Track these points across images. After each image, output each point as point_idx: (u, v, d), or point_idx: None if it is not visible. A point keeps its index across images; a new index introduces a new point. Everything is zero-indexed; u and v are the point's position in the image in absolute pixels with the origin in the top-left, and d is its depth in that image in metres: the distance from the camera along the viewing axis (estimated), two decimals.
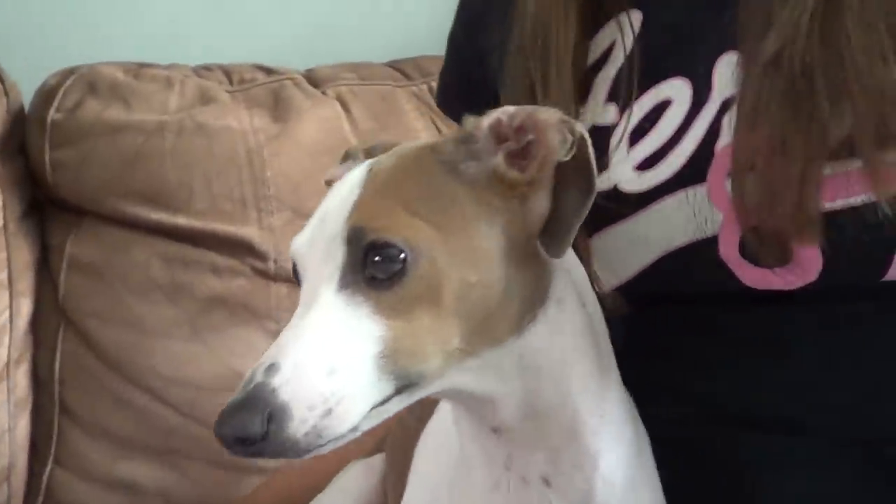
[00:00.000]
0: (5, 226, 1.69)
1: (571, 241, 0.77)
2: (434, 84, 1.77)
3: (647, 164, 0.96)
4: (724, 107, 0.93)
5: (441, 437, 0.91)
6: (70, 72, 1.73)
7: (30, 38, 1.91)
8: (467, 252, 0.74)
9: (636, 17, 1.02)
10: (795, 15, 0.87)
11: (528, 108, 0.77)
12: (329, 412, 0.68)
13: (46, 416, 1.67)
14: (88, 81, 1.71)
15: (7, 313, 1.67)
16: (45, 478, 1.65)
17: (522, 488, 0.82)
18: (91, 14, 1.95)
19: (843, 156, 0.86)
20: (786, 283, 0.91)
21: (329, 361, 0.69)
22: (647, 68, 0.99)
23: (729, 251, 0.93)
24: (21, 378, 1.68)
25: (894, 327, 0.92)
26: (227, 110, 1.71)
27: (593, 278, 0.98)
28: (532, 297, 0.78)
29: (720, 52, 0.95)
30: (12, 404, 1.65)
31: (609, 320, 0.88)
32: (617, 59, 1.01)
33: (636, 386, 0.90)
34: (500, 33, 1.07)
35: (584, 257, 0.96)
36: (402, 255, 0.71)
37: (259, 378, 0.68)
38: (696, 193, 0.93)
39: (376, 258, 0.71)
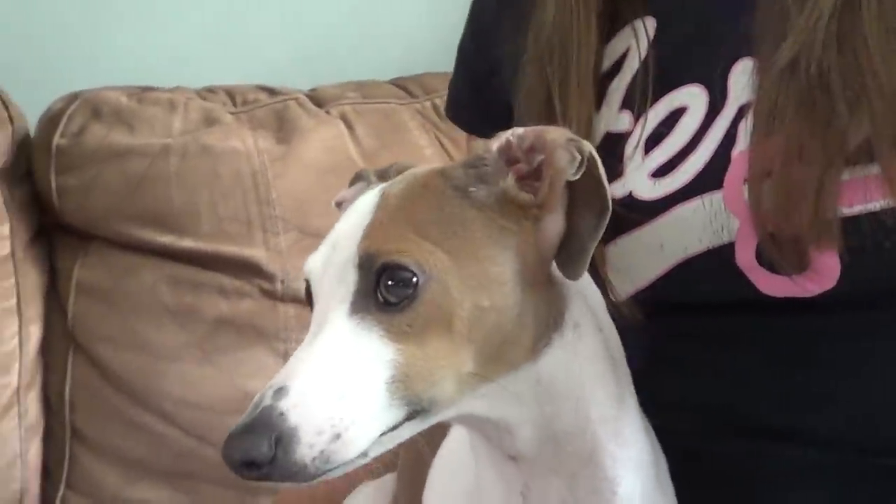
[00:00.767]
0: (13, 252, 1.68)
1: (588, 262, 0.76)
2: (438, 101, 1.78)
3: (663, 171, 0.95)
4: (741, 113, 0.92)
5: (455, 462, 0.89)
6: (74, 97, 1.72)
7: (33, 64, 1.90)
8: (479, 276, 0.72)
9: (650, 23, 1.00)
10: (812, 20, 0.85)
11: (537, 128, 0.76)
12: (338, 437, 0.66)
13: (58, 441, 1.66)
14: (92, 106, 1.70)
15: (16, 339, 1.65)
16: (57, 502, 1.64)
17: None
18: (94, 39, 1.94)
19: (862, 161, 0.85)
20: (804, 291, 0.89)
21: (339, 386, 0.68)
22: (661, 75, 0.97)
23: (745, 258, 0.91)
24: (32, 403, 1.66)
25: None
26: (231, 132, 1.70)
27: (608, 286, 0.96)
28: (547, 321, 0.76)
29: (735, 58, 0.93)
30: (24, 429, 1.64)
31: (624, 337, 0.86)
32: (631, 66, 1.00)
33: (650, 396, 0.88)
34: (513, 43, 1.05)
35: (599, 265, 0.95)
36: (414, 279, 0.70)
37: (267, 401, 0.67)
38: (712, 200, 0.91)
39: (388, 282, 0.70)
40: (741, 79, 0.92)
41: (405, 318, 0.70)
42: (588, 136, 0.96)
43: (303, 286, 0.77)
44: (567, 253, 0.76)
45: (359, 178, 0.89)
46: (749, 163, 0.88)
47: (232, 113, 1.74)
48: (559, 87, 0.99)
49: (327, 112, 1.77)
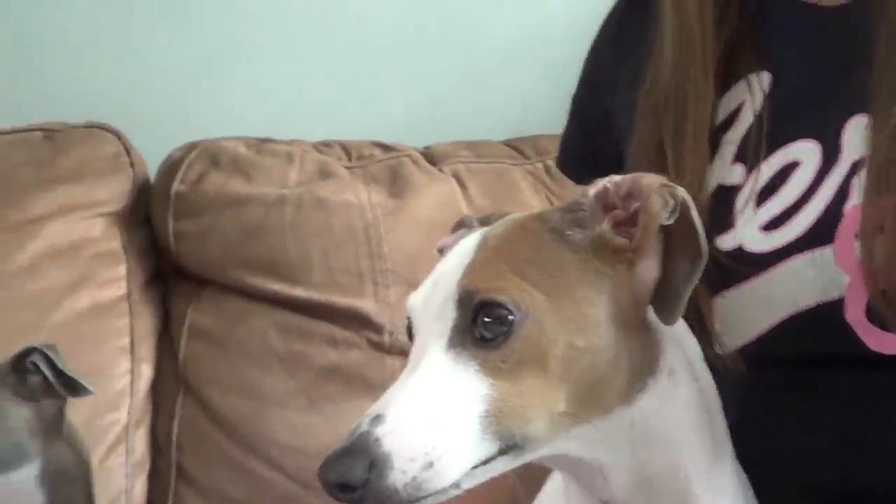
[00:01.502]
0: (129, 293, 1.82)
1: (683, 307, 0.81)
2: (550, 162, 1.87)
3: (774, 224, 1.00)
4: (854, 169, 0.97)
5: None
6: (193, 146, 1.87)
7: (155, 112, 2.05)
8: (574, 317, 0.77)
9: (765, 78, 1.06)
10: None
11: (634, 175, 0.81)
12: (430, 465, 0.72)
13: (163, 480, 1.78)
14: (211, 155, 1.85)
15: (128, 378, 1.79)
16: None
17: None
18: (215, 90, 2.09)
19: None
20: None
21: (433, 416, 0.73)
22: (775, 129, 1.03)
23: (855, 314, 0.95)
24: (139, 442, 1.79)
25: None
26: (345, 185, 1.82)
27: (714, 338, 1.01)
28: (642, 365, 0.81)
29: (849, 114, 0.99)
30: (130, 466, 1.76)
31: (722, 390, 0.90)
32: (745, 120, 1.06)
33: (747, 450, 0.92)
34: (628, 93, 1.12)
35: (706, 317, 1.00)
36: (510, 317, 0.75)
37: (364, 427, 0.73)
38: (823, 255, 0.96)
39: (485, 319, 0.76)
40: (855, 135, 0.98)
41: (500, 355, 0.75)
42: (700, 187, 1.03)
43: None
44: (662, 298, 0.81)
45: (461, 225, 0.96)
46: (861, 218, 0.93)
47: (347, 167, 1.87)
48: (673, 138, 1.05)
49: (440, 170, 1.89)
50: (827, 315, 0.97)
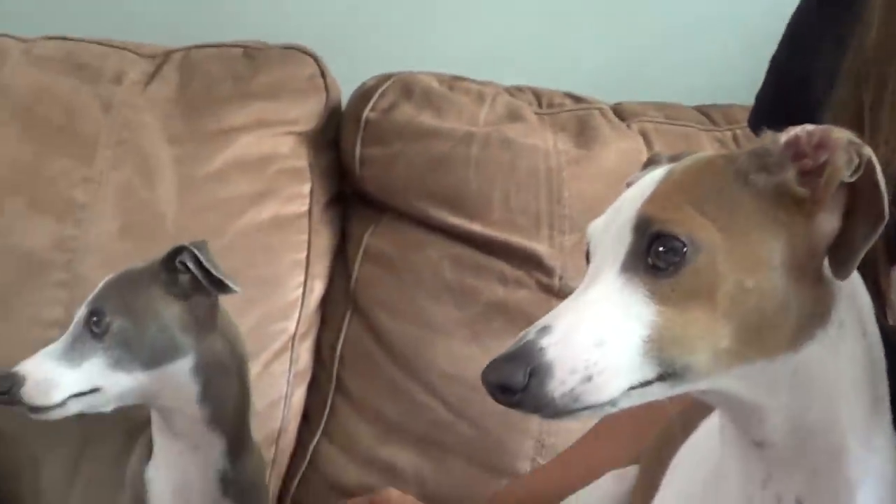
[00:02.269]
0: (310, 211, 1.98)
1: (856, 264, 0.84)
2: (739, 132, 1.97)
3: None
4: None
5: (700, 451, 1.00)
6: (388, 76, 2.02)
7: (354, 43, 2.22)
8: (747, 257, 0.80)
9: None
10: None
11: (825, 126, 0.82)
12: (589, 379, 0.76)
13: (322, 392, 1.94)
14: (405, 86, 1.99)
15: (300, 290, 1.95)
16: (311, 447, 1.91)
17: None
18: (415, 26, 2.26)
19: None
20: None
21: (599, 333, 0.77)
22: None
23: None
24: (304, 352, 1.95)
25: None
26: (533, 130, 1.94)
27: (889, 309, 1.01)
28: (812, 315, 0.83)
29: None
30: (292, 374, 1.92)
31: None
32: None
33: None
34: (830, 58, 1.18)
35: (883, 286, 1.00)
36: (684, 249, 0.78)
37: (531, 336, 0.77)
38: None
39: (659, 248, 0.79)
40: None
41: (670, 284, 0.79)
42: (894, 156, 1.04)
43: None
44: (838, 253, 0.82)
45: (651, 162, 1.01)
46: None
47: (536, 113, 1.99)
48: (871, 110, 1.08)
49: (628, 126, 1.99)
50: None
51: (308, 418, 1.94)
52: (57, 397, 1.28)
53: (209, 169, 1.95)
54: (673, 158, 0.94)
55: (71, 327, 1.33)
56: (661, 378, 0.79)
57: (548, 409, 0.77)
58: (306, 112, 2.00)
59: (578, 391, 0.76)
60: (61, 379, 1.29)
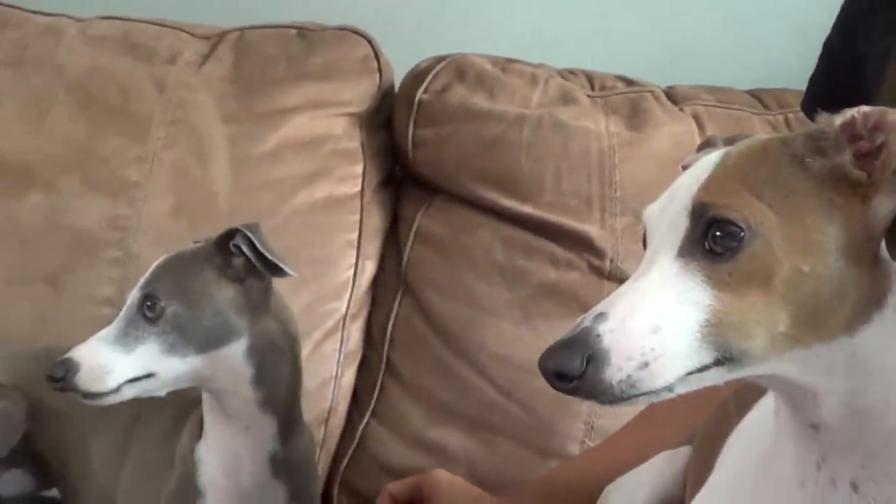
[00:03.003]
0: (363, 192, 1.97)
1: None
2: (791, 116, 1.94)
3: None
4: None
5: (755, 431, 0.99)
6: (442, 58, 2.00)
7: (407, 25, 2.22)
8: (803, 241, 0.79)
9: None
10: None
11: (881, 108, 0.81)
12: (645, 365, 0.76)
13: (372, 372, 1.93)
14: (458, 68, 1.97)
15: (352, 271, 1.94)
16: (360, 427, 1.90)
17: (829, 490, 0.86)
18: (469, 8, 2.24)
19: None
20: None
21: (655, 319, 0.77)
22: None
23: None
24: (355, 332, 1.95)
25: None
26: (585, 112, 1.92)
27: None
28: (868, 298, 0.82)
29: None
30: (343, 355, 1.92)
31: None
32: None
33: None
34: (883, 41, 1.18)
35: None
36: (741, 234, 0.78)
37: (588, 322, 0.78)
38: None
39: (716, 233, 0.79)
40: None
41: (727, 269, 0.78)
42: None
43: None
44: (894, 236, 0.81)
45: (707, 144, 1.00)
46: None
47: (589, 95, 1.97)
48: None
49: (681, 109, 1.96)
50: None
51: (358, 399, 1.94)
52: (111, 383, 1.27)
53: (262, 149, 1.94)
54: (728, 141, 0.93)
55: (123, 311, 1.32)
56: (718, 363, 0.78)
57: (604, 396, 0.77)
58: (359, 93, 1.99)
59: (635, 377, 0.76)
60: (115, 365, 1.28)
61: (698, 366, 0.78)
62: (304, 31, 2.03)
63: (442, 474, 1.48)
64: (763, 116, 1.98)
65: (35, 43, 2.01)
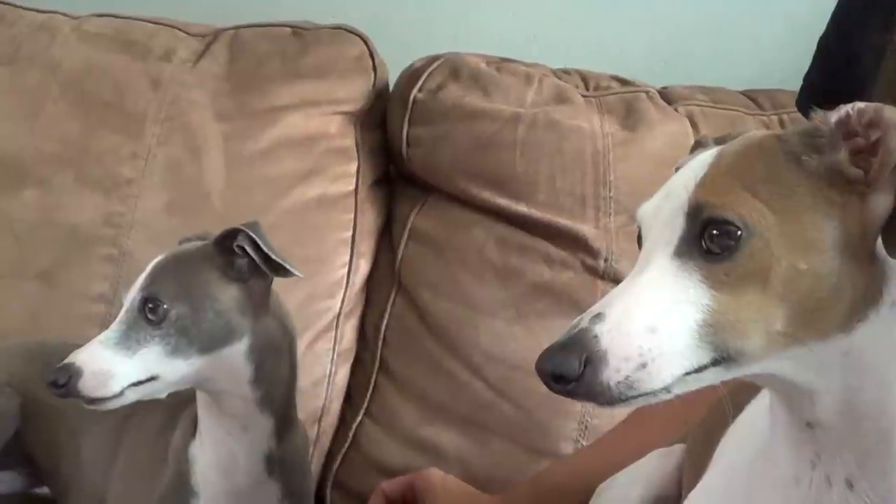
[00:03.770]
0: (357, 190, 1.95)
1: None
2: (786, 117, 1.92)
3: None
4: None
5: (749, 431, 0.98)
6: (436, 57, 1.98)
7: (402, 24, 2.21)
8: (800, 239, 0.78)
9: None
10: None
11: (877, 104, 0.80)
12: (643, 366, 0.75)
13: (365, 371, 1.91)
14: (453, 68, 1.96)
15: (346, 269, 1.92)
16: (354, 426, 1.88)
17: (825, 488, 0.85)
18: (464, 8, 2.23)
19: None
20: None
21: (652, 319, 0.76)
22: None
23: None
24: (348, 331, 1.92)
25: None
26: (580, 112, 1.90)
27: None
28: (864, 295, 0.81)
29: None
30: (336, 353, 1.89)
31: None
32: None
33: None
34: (879, 35, 1.17)
35: None
36: (738, 233, 0.77)
37: (585, 324, 0.77)
38: None
39: (713, 232, 0.78)
40: None
41: (724, 268, 0.77)
42: None
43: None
44: (891, 232, 0.80)
45: (699, 145, 0.98)
46: None
47: (584, 95, 1.95)
48: None
49: (675, 109, 1.94)
50: None
51: (351, 397, 1.92)
52: (115, 388, 1.25)
53: (257, 147, 1.92)
54: (719, 141, 0.92)
55: (122, 313, 1.29)
56: (716, 363, 0.78)
57: (603, 397, 0.76)
58: (354, 92, 1.97)
59: (633, 378, 0.75)
60: (118, 369, 1.25)
61: (696, 366, 0.77)
62: (298, 30, 2.01)
63: (435, 473, 1.47)
64: (757, 117, 1.97)
65: (29, 40, 1.99)
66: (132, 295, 1.29)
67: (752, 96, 2.03)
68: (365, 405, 1.88)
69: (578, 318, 0.78)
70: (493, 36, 2.17)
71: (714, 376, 0.79)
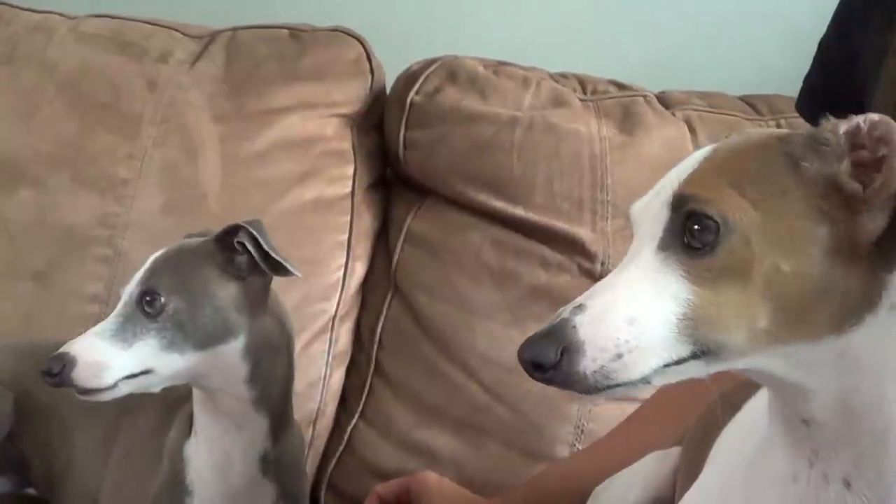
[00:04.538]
0: (353, 193, 1.94)
1: None
2: (783, 122, 1.92)
3: None
4: None
5: (745, 430, 0.97)
6: (434, 60, 1.97)
7: (400, 27, 2.19)
8: (785, 241, 0.77)
9: None
10: None
11: (889, 120, 0.78)
12: (619, 357, 0.75)
13: (360, 374, 1.90)
14: (450, 71, 1.94)
15: (342, 272, 1.91)
16: (349, 429, 1.87)
17: (822, 486, 0.85)
18: (462, 11, 2.22)
19: None
20: None
21: (632, 312, 0.77)
22: None
23: None
24: (344, 334, 1.91)
25: None
26: (577, 115, 1.89)
27: None
28: (859, 300, 0.80)
29: None
30: (331, 356, 1.88)
31: None
32: None
33: None
34: (879, 36, 1.16)
35: None
36: (718, 228, 0.77)
37: (566, 314, 0.77)
38: None
39: (694, 226, 0.78)
40: None
41: (705, 264, 0.77)
42: None
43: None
44: (884, 248, 0.79)
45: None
46: None
47: (581, 99, 1.94)
48: None
49: (672, 113, 1.94)
50: None
51: (346, 400, 1.90)
52: (109, 379, 1.23)
53: (253, 148, 1.91)
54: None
55: (120, 306, 1.28)
56: (696, 356, 0.78)
57: (580, 386, 0.76)
58: (351, 94, 1.96)
59: (609, 368, 0.76)
60: (113, 360, 1.24)
61: (675, 358, 0.77)
62: (296, 32, 2.00)
63: (430, 476, 1.46)
64: (755, 122, 1.95)
65: (25, 40, 1.98)
66: (131, 288, 1.28)
67: (749, 101, 2.02)
68: (360, 408, 1.87)
69: (562, 308, 0.79)
70: (490, 39, 2.17)
71: (695, 369, 0.79)
